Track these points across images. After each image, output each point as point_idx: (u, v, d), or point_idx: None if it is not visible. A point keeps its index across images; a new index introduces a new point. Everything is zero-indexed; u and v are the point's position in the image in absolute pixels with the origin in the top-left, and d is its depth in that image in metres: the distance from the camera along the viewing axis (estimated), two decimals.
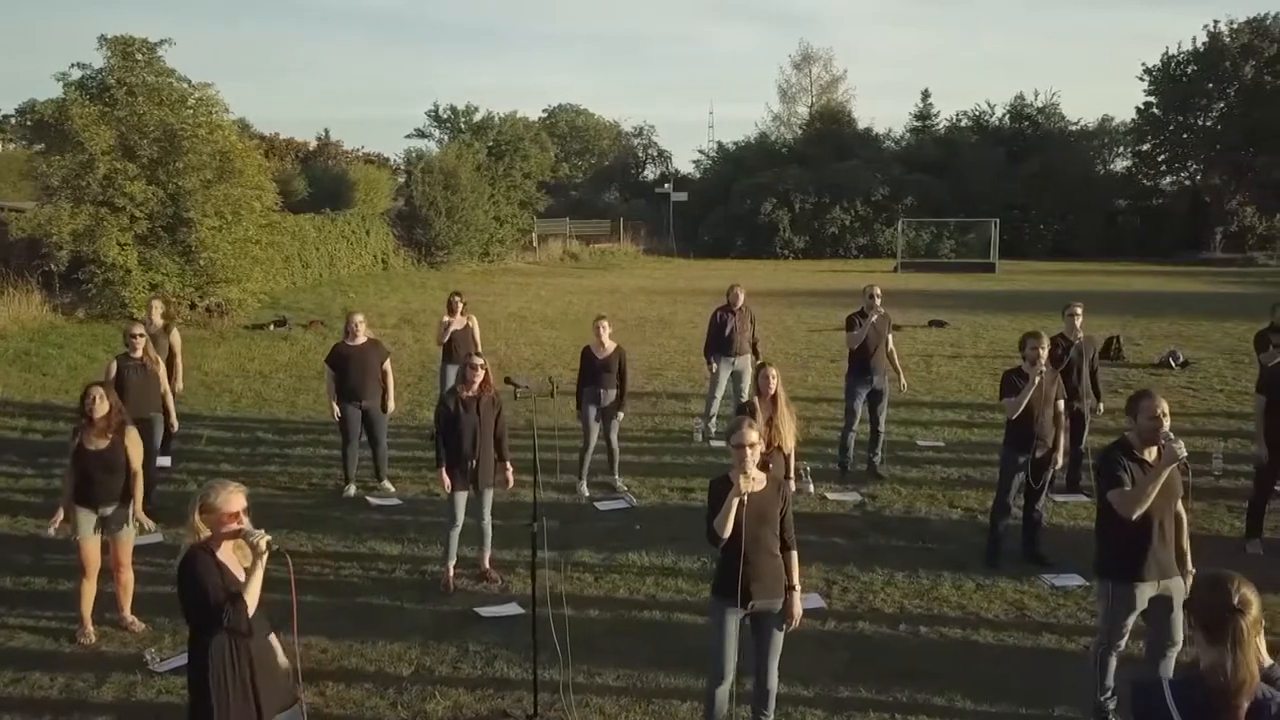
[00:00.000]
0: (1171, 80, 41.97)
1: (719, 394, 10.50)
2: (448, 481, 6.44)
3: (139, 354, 7.81)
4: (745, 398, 10.57)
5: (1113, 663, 4.68)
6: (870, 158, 43.40)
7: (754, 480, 4.28)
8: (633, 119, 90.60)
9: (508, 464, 6.68)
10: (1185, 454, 4.33)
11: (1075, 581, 6.50)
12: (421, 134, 36.52)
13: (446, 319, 10.41)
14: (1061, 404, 6.97)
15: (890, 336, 9.12)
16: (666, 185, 45.32)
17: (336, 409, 8.52)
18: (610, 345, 8.63)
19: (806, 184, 41.07)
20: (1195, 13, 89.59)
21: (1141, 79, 42.74)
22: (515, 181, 34.23)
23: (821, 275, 32.96)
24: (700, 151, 55.81)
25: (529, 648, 5.58)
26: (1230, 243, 39.97)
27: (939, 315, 20.50)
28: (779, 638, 4.45)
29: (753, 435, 4.31)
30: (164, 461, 9.32)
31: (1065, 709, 4.93)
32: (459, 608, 6.18)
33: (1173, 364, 14.46)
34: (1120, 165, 46.34)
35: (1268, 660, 2.55)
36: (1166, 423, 4.48)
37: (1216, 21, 41.51)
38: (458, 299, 10.58)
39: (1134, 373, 14.20)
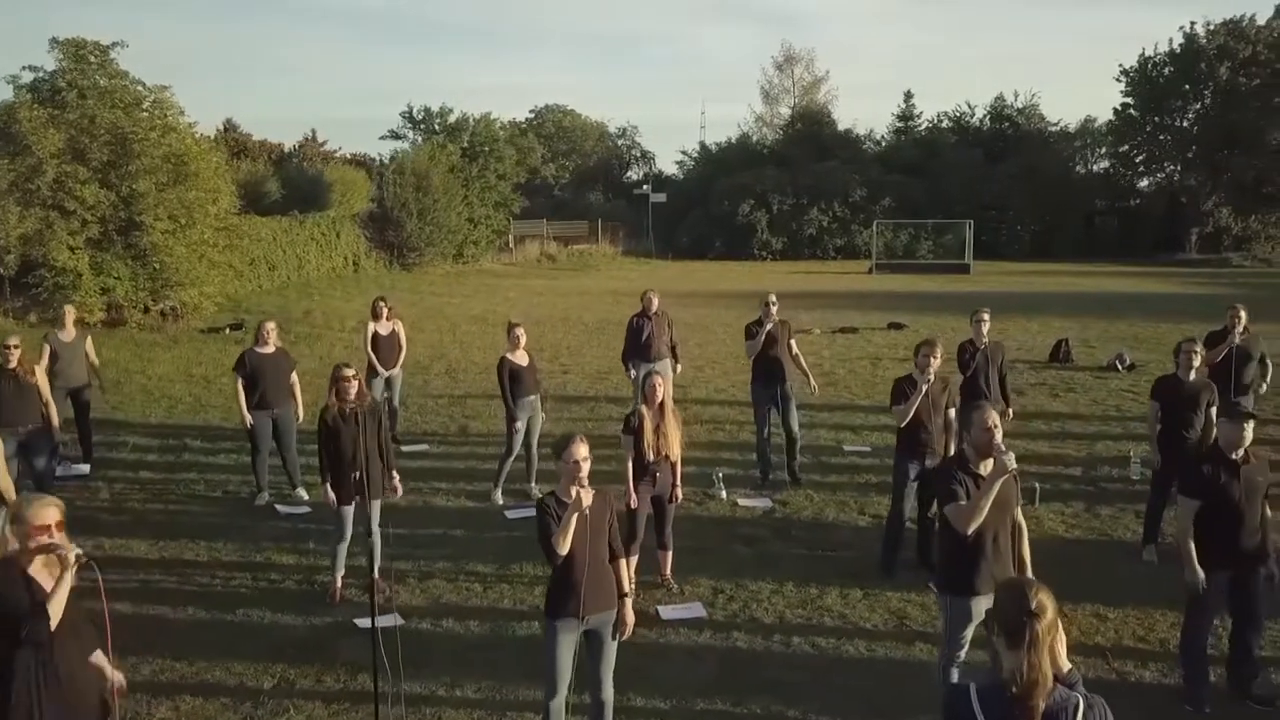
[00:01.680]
0: (1148, 81, 42.08)
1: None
2: (332, 496, 6.41)
3: (13, 365, 7.74)
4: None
5: (955, 675, 4.67)
6: (849, 159, 43.49)
7: (589, 493, 4.27)
8: (623, 119, 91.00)
9: (394, 473, 6.64)
10: (1015, 466, 4.31)
11: None
12: (395, 135, 36.48)
13: (372, 325, 10.38)
14: (953, 412, 6.95)
15: (793, 342, 9.10)
16: (645, 186, 45.33)
17: (248, 417, 8.50)
18: (526, 354, 8.63)
19: (785, 185, 41.14)
20: (1188, 14, 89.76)
21: (1118, 80, 42.92)
22: (489, 183, 34.20)
23: (795, 277, 32.97)
24: (683, 152, 55.89)
25: (401, 660, 5.58)
26: (1206, 243, 40.09)
27: (905, 317, 20.51)
28: (613, 648, 4.45)
29: (584, 450, 4.29)
30: (82, 469, 9.30)
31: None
32: (340, 619, 6.16)
33: (1119, 366, 14.47)
34: (1101, 166, 46.47)
35: (1066, 665, 2.60)
36: (998, 434, 4.46)
37: (1193, 23, 41.72)
38: (383, 304, 10.55)
39: (1080, 375, 14.22)
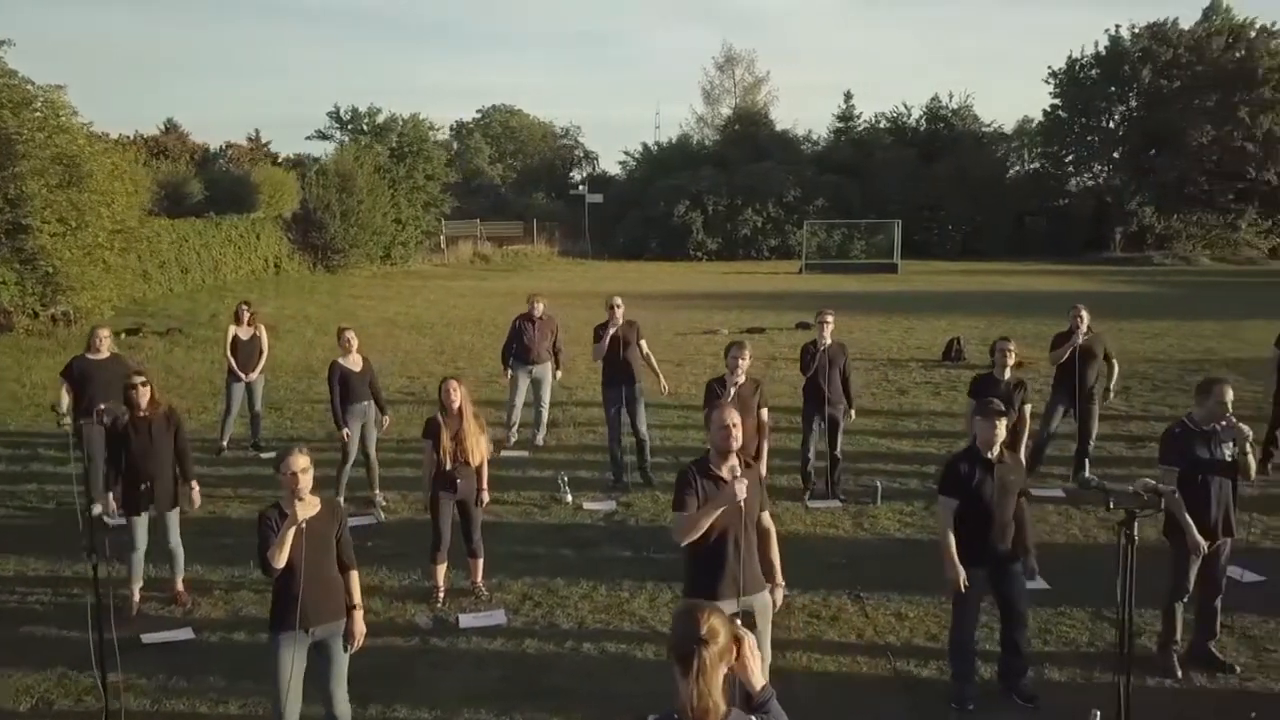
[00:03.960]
0: (1076, 83, 42.82)
1: (518, 401, 10.44)
2: (113, 505, 6.26)
3: None
4: (545, 405, 10.54)
5: None
6: (785, 159, 43.69)
7: (310, 505, 4.18)
8: (577, 120, 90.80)
9: (193, 483, 6.48)
10: (745, 495, 4.24)
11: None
12: (323, 135, 35.99)
13: (233, 329, 10.17)
14: (765, 413, 6.96)
15: (643, 343, 9.08)
16: (581, 187, 45.24)
17: (66, 421, 8.26)
18: (359, 358, 8.48)
19: (720, 186, 41.23)
20: (1148, 14, 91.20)
21: (1047, 82, 43.63)
22: (418, 183, 33.86)
23: (726, 278, 33.08)
24: (626, 153, 55.88)
25: (176, 674, 5.46)
26: (1129, 242, 40.86)
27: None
28: (343, 661, 4.37)
29: (302, 462, 4.20)
30: None
31: None
32: (130, 634, 5.97)
33: None
34: (1034, 166, 47.18)
35: (759, 684, 2.52)
36: (737, 433, 4.41)
37: (1118, 26, 42.56)
38: (245, 308, 10.34)
39: (966, 373, 14.27)
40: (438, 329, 19.59)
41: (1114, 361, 9.09)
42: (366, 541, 7.54)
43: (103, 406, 6.01)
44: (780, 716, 2.50)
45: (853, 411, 8.58)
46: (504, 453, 10.00)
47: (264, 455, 10.10)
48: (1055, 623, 5.99)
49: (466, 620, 6.07)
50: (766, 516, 4.64)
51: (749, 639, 2.51)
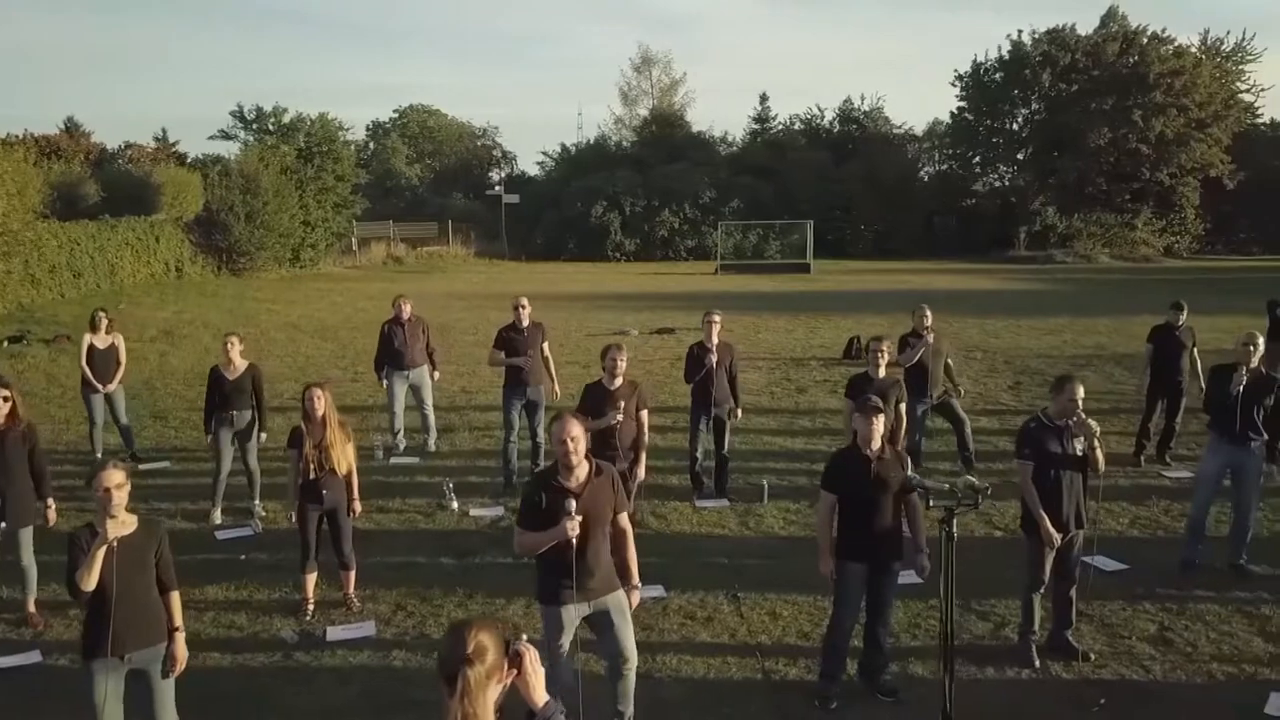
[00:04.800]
0: (981, 86, 44.07)
1: (398, 409, 10.26)
2: None
3: None
4: (428, 408, 10.36)
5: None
6: (701, 160, 44.00)
7: (123, 524, 4.01)
8: (493, 119, 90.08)
9: (49, 501, 6.17)
10: (577, 531, 4.21)
11: (654, 593, 6.45)
12: (226, 135, 34.93)
13: (88, 337, 9.75)
14: (645, 414, 6.95)
15: (545, 345, 9.01)
16: (498, 187, 44.89)
17: None
18: (241, 364, 8.22)
19: (637, 187, 41.31)
20: (1051, 20, 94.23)
21: (954, 85, 44.81)
22: (327, 184, 33.12)
23: (643, 279, 33.10)
24: (544, 153, 55.66)
25: (17, 699, 5.19)
26: (1033, 241, 42.19)
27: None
28: (166, 687, 4.20)
29: (118, 477, 4.04)
30: None
31: None
32: None
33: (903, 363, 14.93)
34: (943, 167, 48.42)
35: (540, 700, 2.46)
36: (578, 446, 4.33)
37: (1020, 31, 43.95)
38: (102, 315, 9.93)
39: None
40: (341, 333, 19.15)
41: (950, 361, 9.39)
42: (241, 554, 7.34)
43: None
44: None
45: (739, 411, 8.62)
46: (393, 460, 9.84)
47: (143, 466, 9.73)
48: (925, 616, 6.09)
49: (334, 633, 5.91)
50: (624, 518, 4.61)
51: (530, 653, 2.46)
